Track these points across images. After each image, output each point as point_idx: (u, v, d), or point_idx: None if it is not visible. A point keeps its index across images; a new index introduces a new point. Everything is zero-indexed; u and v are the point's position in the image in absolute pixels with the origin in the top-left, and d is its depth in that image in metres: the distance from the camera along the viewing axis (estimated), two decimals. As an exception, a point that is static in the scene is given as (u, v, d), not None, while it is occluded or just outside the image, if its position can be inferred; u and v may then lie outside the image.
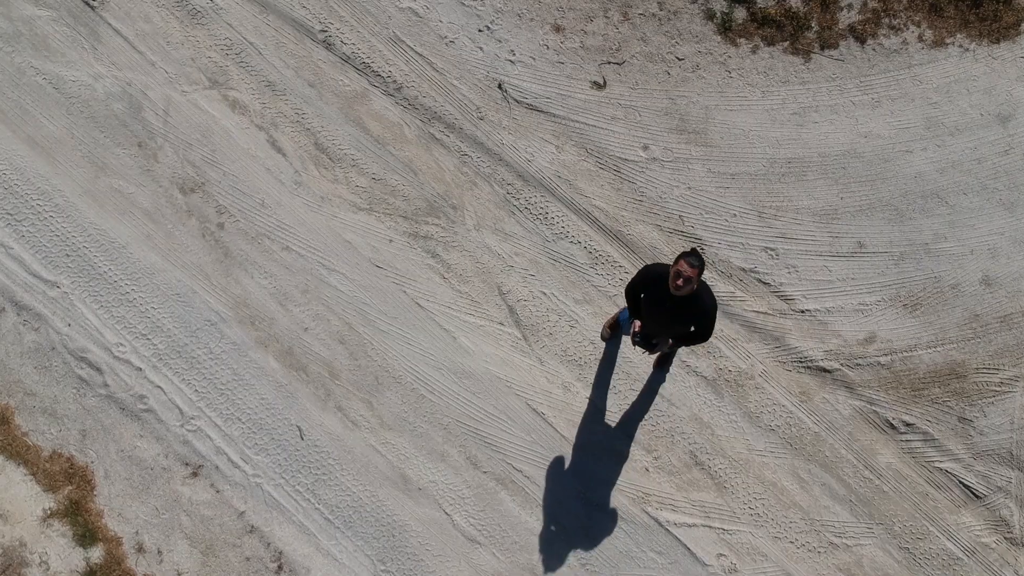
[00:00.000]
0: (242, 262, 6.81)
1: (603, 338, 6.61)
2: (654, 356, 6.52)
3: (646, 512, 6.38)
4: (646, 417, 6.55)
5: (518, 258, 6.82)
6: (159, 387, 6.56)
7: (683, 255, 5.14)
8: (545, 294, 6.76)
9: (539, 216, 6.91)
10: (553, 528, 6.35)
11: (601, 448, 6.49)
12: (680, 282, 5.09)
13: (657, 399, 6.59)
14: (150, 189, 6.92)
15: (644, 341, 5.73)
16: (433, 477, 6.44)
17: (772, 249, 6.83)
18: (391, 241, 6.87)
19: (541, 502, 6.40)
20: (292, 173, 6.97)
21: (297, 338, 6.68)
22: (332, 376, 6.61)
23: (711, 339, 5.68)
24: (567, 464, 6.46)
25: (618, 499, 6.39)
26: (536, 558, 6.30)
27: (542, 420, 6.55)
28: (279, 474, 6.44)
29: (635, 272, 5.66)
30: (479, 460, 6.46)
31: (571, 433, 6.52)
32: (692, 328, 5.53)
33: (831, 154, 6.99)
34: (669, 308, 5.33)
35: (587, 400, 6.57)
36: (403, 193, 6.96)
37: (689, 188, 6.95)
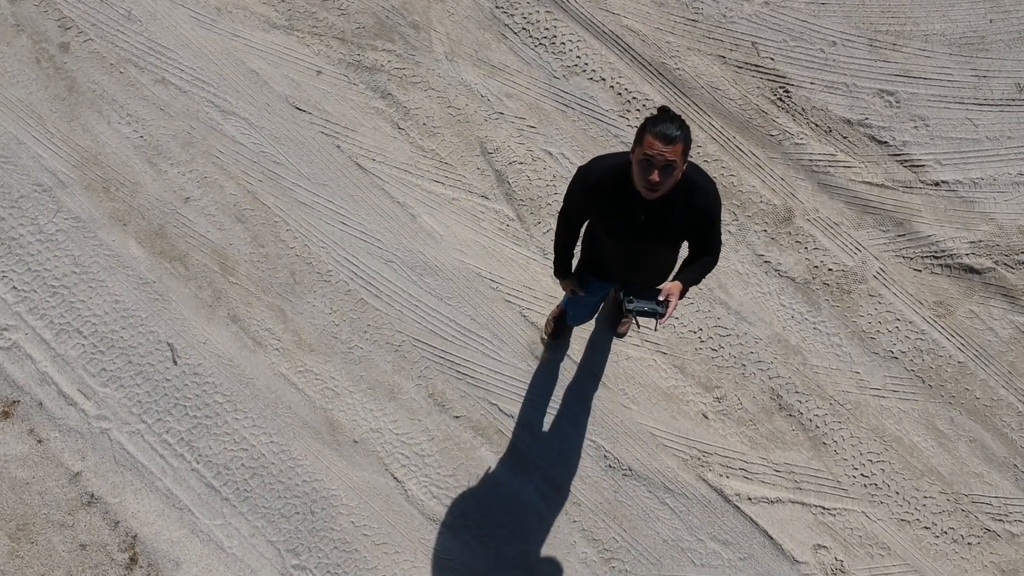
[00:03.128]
0: (94, 100, 4.51)
1: (545, 338, 4.28)
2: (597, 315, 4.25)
3: (704, 480, 4.14)
4: (704, 338, 4.29)
5: (511, 102, 4.55)
6: (-44, 282, 4.27)
7: (649, 125, 2.77)
8: (551, 155, 4.50)
9: (543, 41, 4.63)
10: (560, 503, 4.11)
11: (634, 382, 4.23)
12: (655, 177, 2.78)
13: (721, 311, 4.33)
14: (-40, -8, 4.62)
15: (636, 301, 3.07)
16: (376, 424, 4.18)
17: (890, 93, 4.58)
18: (319, 73, 4.58)
19: (542, 464, 4.15)
20: (175, -27, 4.68)
21: (173, 213, 4.40)
22: (224, 270, 4.33)
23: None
24: (582, 407, 4.21)
25: (661, 460, 4.15)
26: (533, 550, 4.06)
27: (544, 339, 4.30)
28: (138, 416, 4.16)
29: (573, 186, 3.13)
30: (448, 399, 4.21)
31: (589, 359, 4.26)
32: (689, 243, 3.15)
33: (975, -42, 4.74)
34: (646, 225, 3.03)
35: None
36: (339, 4, 4.67)
37: (766, 3, 4.69)
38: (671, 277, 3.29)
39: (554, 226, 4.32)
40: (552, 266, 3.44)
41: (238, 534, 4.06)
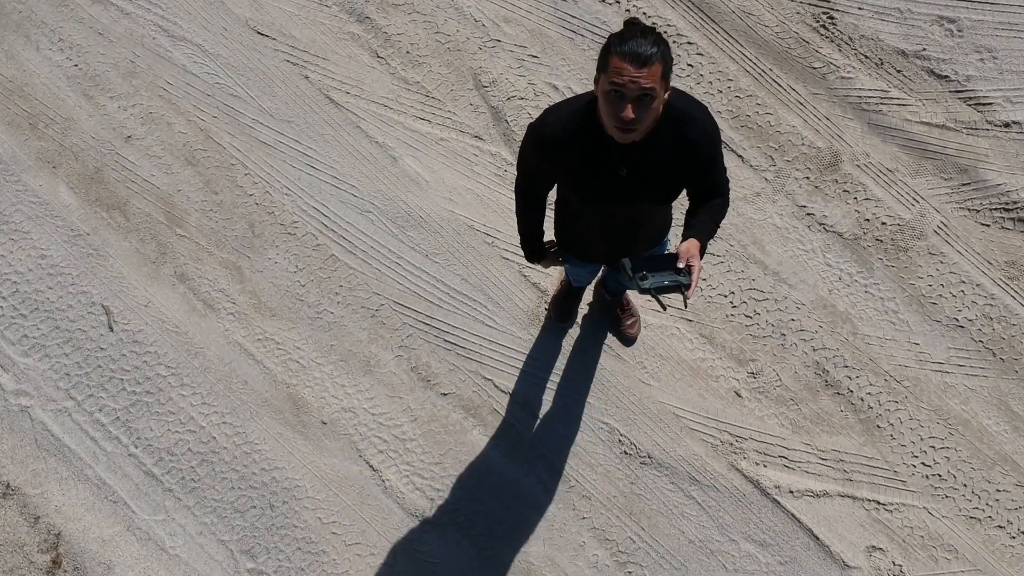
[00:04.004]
0: (20, 23, 3.85)
1: (555, 318, 3.62)
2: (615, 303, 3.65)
3: (738, 470, 3.49)
4: (736, 303, 3.65)
5: (509, 27, 3.90)
6: None
7: (615, 44, 2.10)
8: (556, 88, 3.85)
9: (547, -41, 3.98)
10: (567, 497, 3.46)
11: (655, 354, 3.59)
12: (629, 112, 2.10)
13: (756, 271, 3.68)
14: None
15: (651, 276, 2.29)
16: (349, 402, 3.53)
17: (951, 20, 3.93)
18: (287, -8, 3.93)
19: (544, 450, 3.51)
20: None
21: (112, 154, 3.74)
22: (171, 221, 3.68)
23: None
24: (593, 383, 3.57)
25: (686, 446, 3.51)
26: (534, 552, 3.41)
27: (548, 303, 3.65)
28: (65, 392, 3.51)
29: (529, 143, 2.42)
30: (434, 373, 3.56)
31: (600, 327, 3.62)
32: (688, 190, 2.47)
33: None
34: (629, 180, 2.34)
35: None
36: (311, -86, 4.01)
37: (807, -84, 4.04)
38: (682, 235, 2.58)
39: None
40: (522, 249, 2.78)
41: (183, 532, 3.41)
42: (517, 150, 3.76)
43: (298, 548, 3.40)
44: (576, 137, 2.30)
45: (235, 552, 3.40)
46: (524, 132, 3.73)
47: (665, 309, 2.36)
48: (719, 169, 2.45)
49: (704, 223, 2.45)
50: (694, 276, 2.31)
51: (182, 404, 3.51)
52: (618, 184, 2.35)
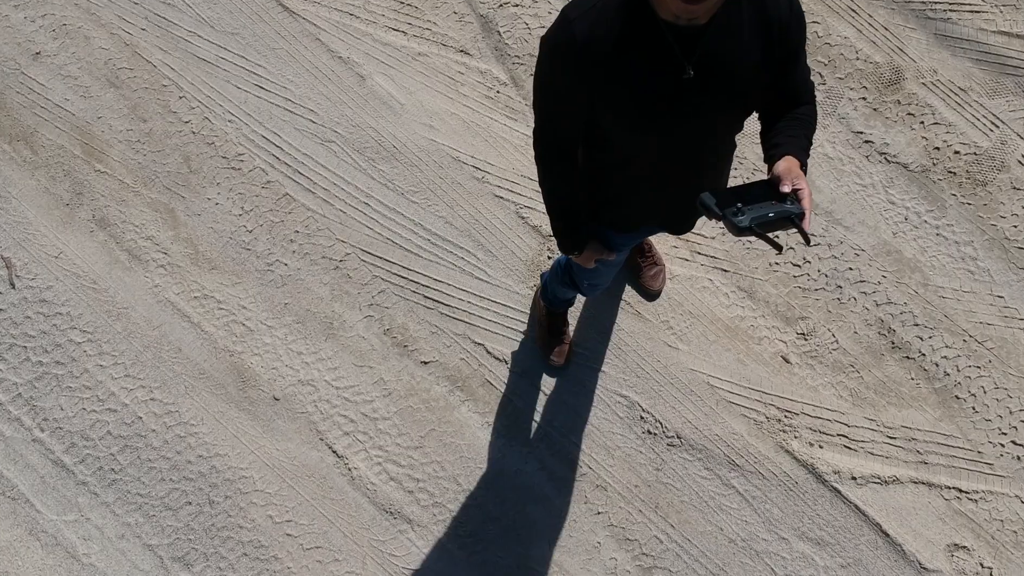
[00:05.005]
0: (-94, -83, 3.18)
1: (545, 357, 2.89)
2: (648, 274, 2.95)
3: (788, 452, 2.84)
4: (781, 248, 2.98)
5: (502, -76, 3.24)
6: None
7: None
8: (558, -5, 3.19)
9: None
10: (578, 488, 2.80)
11: (683, 311, 2.93)
12: None
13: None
14: None
15: (749, 210, 1.61)
16: (307, 374, 2.86)
17: (1031, -87, 3.29)
18: None
19: (549, 429, 2.84)
20: None
21: (16, 74, 3.07)
22: (89, 155, 3.01)
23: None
24: (609, 347, 2.91)
25: (724, 423, 2.85)
26: (538, 555, 2.75)
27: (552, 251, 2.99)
28: (-46, 363, 2.85)
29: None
30: (412, 337, 2.90)
31: (617, 280, 2.96)
32: (762, 100, 1.79)
33: None
34: (698, 83, 1.66)
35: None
36: None
37: None
38: (767, 156, 1.84)
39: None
40: (554, 236, 2.07)
41: (100, 535, 2.74)
42: (511, 68, 3.10)
43: (244, 554, 2.73)
44: (618, 32, 1.61)
45: (165, 559, 2.73)
46: (523, 46, 3.07)
47: (781, 250, 1.66)
48: (804, 64, 1.79)
49: (796, 138, 1.75)
50: (805, 201, 1.63)
51: (100, 377, 2.83)
52: (682, 91, 1.65)
